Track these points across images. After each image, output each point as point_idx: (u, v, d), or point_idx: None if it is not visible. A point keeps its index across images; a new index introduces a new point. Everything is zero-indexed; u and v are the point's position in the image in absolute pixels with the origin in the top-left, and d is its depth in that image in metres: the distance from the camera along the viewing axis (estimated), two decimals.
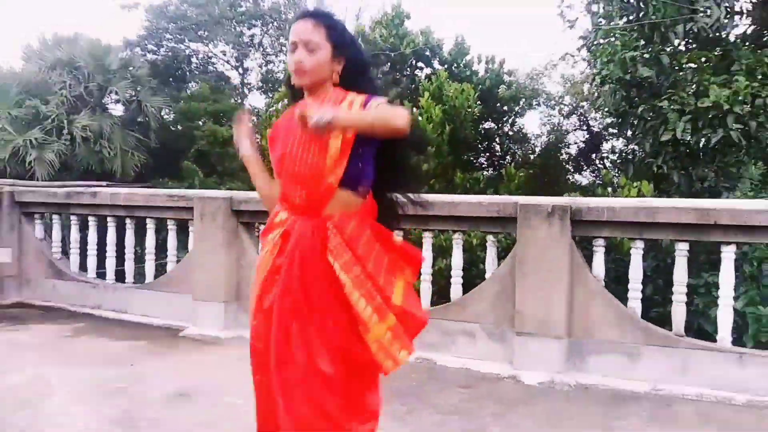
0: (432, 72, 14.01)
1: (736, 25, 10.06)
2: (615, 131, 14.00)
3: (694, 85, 9.38)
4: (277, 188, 2.48)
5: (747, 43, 10.13)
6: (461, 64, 14.72)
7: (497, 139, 15.59)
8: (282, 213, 2.43)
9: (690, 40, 10.25)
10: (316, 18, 2.34)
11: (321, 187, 2.29)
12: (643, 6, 9.66)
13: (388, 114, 2.14)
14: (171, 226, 6.75)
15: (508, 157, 15.68)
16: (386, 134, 2.17)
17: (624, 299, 4.98)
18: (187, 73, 20.88)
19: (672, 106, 8.97)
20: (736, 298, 5.63)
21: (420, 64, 14.67)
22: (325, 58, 2.31)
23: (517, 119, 15.88)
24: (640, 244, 4.99)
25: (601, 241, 5.05)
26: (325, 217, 2.30)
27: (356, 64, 2.40)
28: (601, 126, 17.12)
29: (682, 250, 4.82)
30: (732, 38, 10.25)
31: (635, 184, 8.46)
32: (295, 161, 2.33)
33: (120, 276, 7.14)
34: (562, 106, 18.59)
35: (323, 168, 2.26)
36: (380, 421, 2.47)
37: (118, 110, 16.01)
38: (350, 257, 2.26)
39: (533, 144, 17.28)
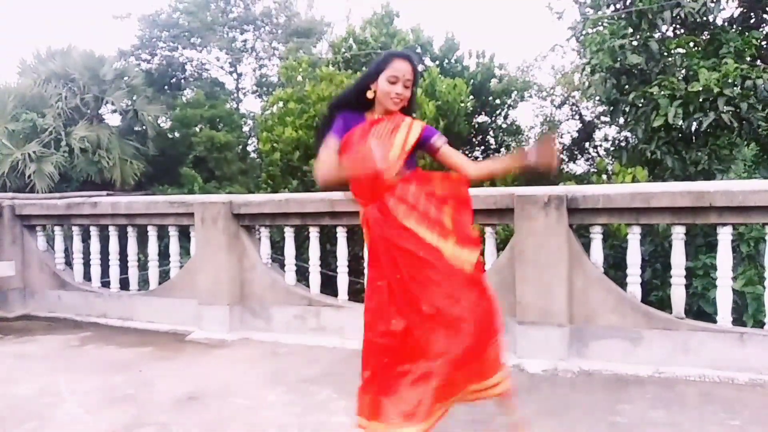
0: (424, 68, 14.05)
1: (723, 9, 10.11)
2: (607, 119, 14.06)
3: (683, 70, 9.45)
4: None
5: (734, 26, 10.19)
6: (452, 60, 14.77)
7: (491, 133, 15.64)
8: (360, 208, 3.07)
9: (678, 26, 10.32)
10: (413, 62, 3.07)
11: (383, 188, 2.96)
12: None
13: (464, 165, 3.14)
14: (172, 233, 6.80)
15: (502, 149, 15.72)
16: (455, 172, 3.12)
17: (623, 285, 5.03)
18: (182, 80, 20.90)
19: (662, 92, 9.02)
20: (734, 279, 5.70)
21: None
22: (410, 93, 3.08)
23: (509, 112, 15.93)
24: (636, 230, 5.04)
25: (598, 228, 5.11)
26: (381, 197, 2.96)
27: (414, 97, 3.17)
28: (593, 115, 17.19)
29: (678, 233, 4.87)
30: (719, 22, 10.31)
31: (629, 170, 8.49)
32: (364, 167, 2.94)
33: (124, 284, 7.18)
34: (554, 97, 18.65)
35: (388, 167, 2.94)
36: None
37: (114, 120, 16.06)
38: (404, 208, 2.92)
39: (527, 135, 17.34)
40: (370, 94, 3.05)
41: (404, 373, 2.85)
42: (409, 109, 3.15)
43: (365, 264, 5.87)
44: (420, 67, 14.39)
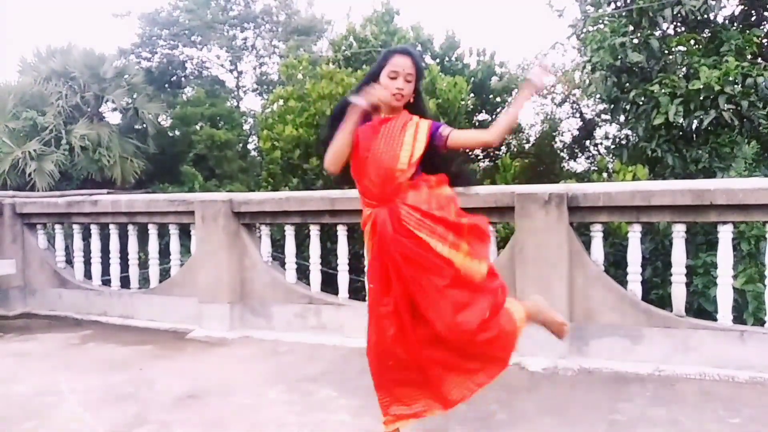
0: (424, 66, 14.02)
1: (724, 7, 10.12)
2: (608, 117, 14.04)
3: (684, 68, 9.44)
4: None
5: (735, 24, 10.18)
6: (452, 58, 14.75)
7: None
8: (365, 210, 3.07)
9: (678, 24, 10.31)
10: (413, 57, 3.06)
11: (394, 185, 2.97)
12: None
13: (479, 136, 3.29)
14: (173, 231, 6.80)
15: (503, 147, 15.70)
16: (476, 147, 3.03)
17: (624, 283, 5.03)
18: (182, 78, 20.87)
19: (663, 90, 9.02)
20: (735, 277, 5.69)
21: None
22: (413, 88, 3.06)
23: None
24: (637, 228, 5.04)
25: (598, 227, 5.10)
26: (394, 201, 2.97)
27: (419, 93, 3.16)
28: (593, 113, 17.16)
29: (679, 231, 4.87)
30: (720, 20, 10.30)
31: (630, 168, 8.48)
32: (371, 164, 2.98)
33: (125, 282, 7.19)
34: (555, 95, 18.61)
35: (394, 171, 2.96)
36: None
37: (115, 118, 16.06)
38: (418, 217, 2.92)
39: (527, 133, 17.32)
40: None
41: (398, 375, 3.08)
42: (417, 105, 3.13)
43: (366, 262, 5.87)
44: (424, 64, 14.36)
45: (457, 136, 3.05)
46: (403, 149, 2.97)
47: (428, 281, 2.90)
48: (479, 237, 3.04)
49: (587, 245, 5.11)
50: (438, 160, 3.10)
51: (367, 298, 3.51)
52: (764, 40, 10.17)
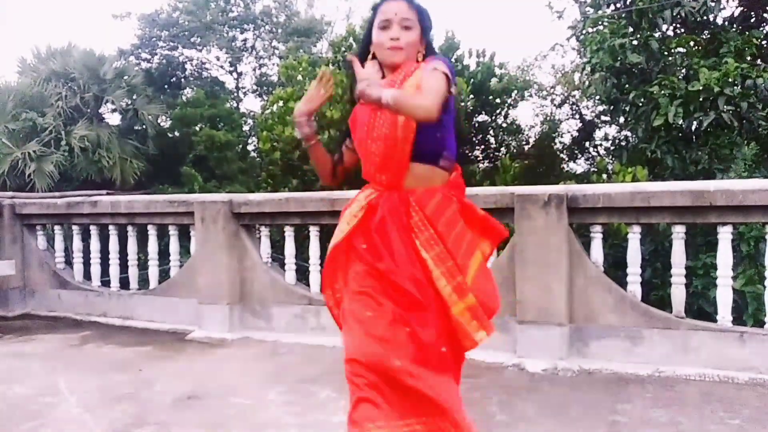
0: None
1: (723, 8, 10.14)
2: (607, 118, 14.06)
3: (683, 69, 9.45)
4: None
5: (735, 26, 10.19)
6: (452, 59, 14.73)
7: (491, 132, 15.61)
8: (367, 189, 2.45)
9: (678, 25, 10.32)
10: (409, 0, 2.40)
11: (395, 160, 2.32)
12: None
13: (411, 102, 2.10)
14: (172, 232, 6.80)
15: (502, 148, 15.69)
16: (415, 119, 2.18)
17: (623, 284, 5.03)
18: (182, 79, 20.88)
19: (663, 91, 9.03)
20: (734, 278, 5.69)
21: None
22: (416, 38, 2.38)
23: (510, 111, 15.87)
24: (637, 229, 5.04)
25: (598, 228, 5.10)
26: (407, 191, 2.34)
27: (432, 50, 2.47)
28: (593, 114, 17.18)
29: (678, 232, 4.87)
30: (720, 21, 10.31)
31: (630, 169, 8.49)
32: (371, 138, 2.36)
33: (124, 283, 7.19)
34: (554, 96, 18.65)
35: (396, 140, 2.30)
36: None
37: (114, 119, 16.09)
38: (431, 234, 2.29)
39: (527, 135, 17.31)
40: (369, 58, 2.40)
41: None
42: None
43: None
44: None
45: (424, 77, 2.23)
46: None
47: (408, 312, 2.27)
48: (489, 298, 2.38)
49: (587, 246, 5.10)
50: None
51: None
52: (764, 42, 10.17)
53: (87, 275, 7.39)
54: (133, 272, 7.06)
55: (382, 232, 2.32)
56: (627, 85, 9.95)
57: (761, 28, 10.42)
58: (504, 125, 15.82)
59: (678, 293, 4.86)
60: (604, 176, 10.02)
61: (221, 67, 21.86)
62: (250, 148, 19.27)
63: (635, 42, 9.54)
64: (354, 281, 2.42)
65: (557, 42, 17.07)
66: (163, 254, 7.21)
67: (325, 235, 7.54)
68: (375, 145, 2.35)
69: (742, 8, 10.55)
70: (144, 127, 15.41)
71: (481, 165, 14.38)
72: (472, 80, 13.68)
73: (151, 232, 6.91)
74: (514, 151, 15.57)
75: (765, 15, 10.62)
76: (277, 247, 7.11)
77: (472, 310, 2.27)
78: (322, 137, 2.62)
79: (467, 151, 14.42)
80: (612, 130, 16.01)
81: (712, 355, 4.59)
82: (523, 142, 16.54)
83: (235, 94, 21.88)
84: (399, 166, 2.33)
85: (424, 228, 2.29)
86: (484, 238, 2.46)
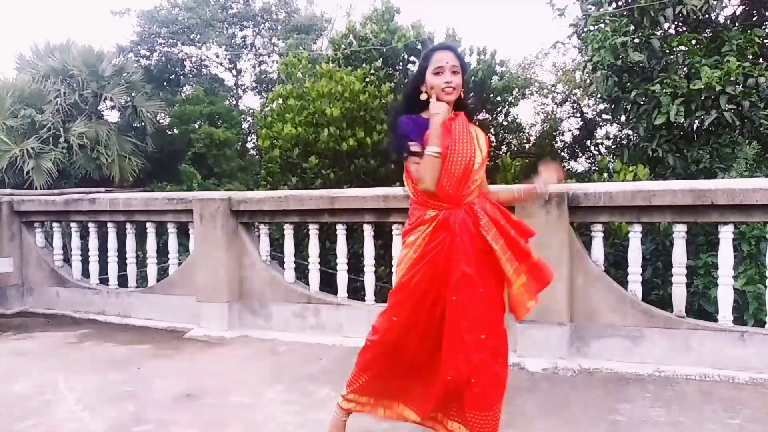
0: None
1: (725, 6, 10.09)
2: (608, 117, 14.03)
3: (685, 68, 9.42)
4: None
5: (737, 24, 10.16)
6: None
7: (492, 130, 15.62)
8: (430, 211, 2.98)
9: (680, 23, 10.29)
10: (454, 50, 3.03)
11: (470, 184, 2.97)
12: None
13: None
14: (171, 229, 6.78)
15: (503, 147, 15.71)
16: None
17: (624, 283, 5.01)
18: (181, 76, 20.88)
19: (664, 90, 9.00)
20: (735, 278, 5.67)
21: (412, 58, 14.63)
22: (461, 81, 3.01)
23: (510, 109, 15.90)
24: (638, 228, 5.02)
25: (599, 227, 5.08)
26: (469, 203, 2.96)
27: (467, 86, 3.15)
28: (594, 112, 17.18)
29: (680, 231, 4.85)
30: (721, 19, 10.28)
31: (631, 168, 8.46)
32: (455, 160, 2.93)
33: (122, 281, 7.16)
34: (555, 95, 18.64)
35: (473, 167, 2.96)
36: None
37: (113, 116, 16.08)
38: (495, 231, 2.90)
39: (528, 133, 17.33)
40: (423, 96, 3.00)
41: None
42: (463, 101, 3.09)
43: (365, 262, 5.85)
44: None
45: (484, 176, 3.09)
46: (476, 149, 2.99)
47: (476, 296, 2.89)
48: (539, 278, 3.01)
49: (588, 245, 5.09)
50: None
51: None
52: (766, 40, 10.13)
53: (85, 273, 7.37)
54: (131, 270, 7.04)
55: (461, 244, 2.92)
56: (628, 84, 9.92)
57: (763, 27, 10.38)
58: (505, 123, 15.83)
59: (679, 292, 4.85)
60: (605, 175, 9.99)
61: (220, 64, 21.86)
62: (249, 145, 19.29)
63: (637, 40, 9.51)
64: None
65: (558, 40, 16.98)
66: (162, 252, 7.19)
67: (325, 233, 7.58)
68: (455, 170, 2.94)
69: (744, 6, 10.51)
70: (143, 124, 15.40)
71: None
72: (473, 78, 13.66)
73: (150, 229, 6.89)
74: (515, 149, 15.58)
75: (767, 13, 10.58)
76: (276, 245, 7.10)
77: (525, 286, 2.95)
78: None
79: None
80: (613, 129, 16.02)
81: (712, 355, 4.58)
82: (524, 141, 16.55)
83: (235, 92, 21.88)
84: (470, 191, 2.99)
85: (490, 227, 2.91)
86: (523, 234, 3.04)
